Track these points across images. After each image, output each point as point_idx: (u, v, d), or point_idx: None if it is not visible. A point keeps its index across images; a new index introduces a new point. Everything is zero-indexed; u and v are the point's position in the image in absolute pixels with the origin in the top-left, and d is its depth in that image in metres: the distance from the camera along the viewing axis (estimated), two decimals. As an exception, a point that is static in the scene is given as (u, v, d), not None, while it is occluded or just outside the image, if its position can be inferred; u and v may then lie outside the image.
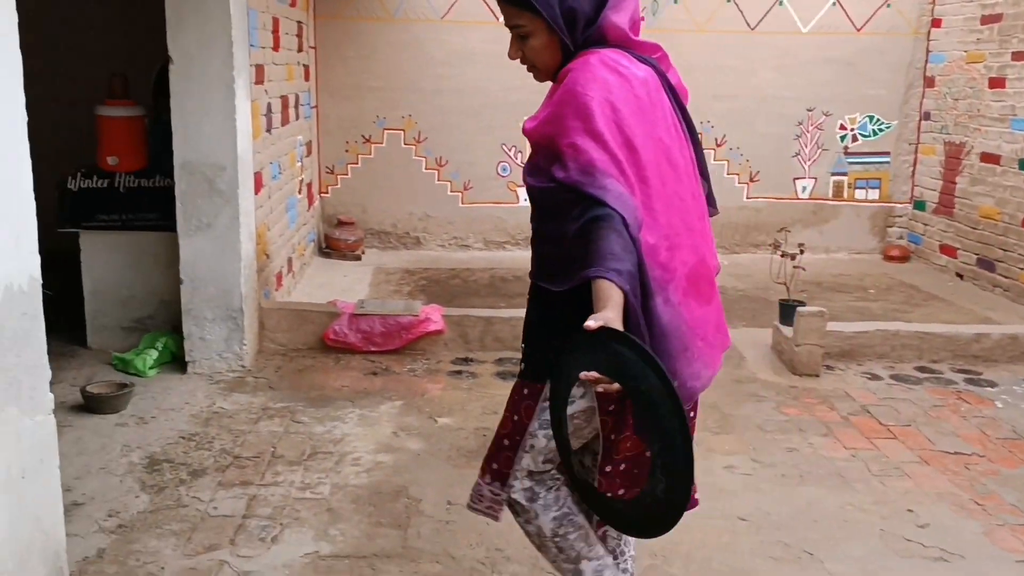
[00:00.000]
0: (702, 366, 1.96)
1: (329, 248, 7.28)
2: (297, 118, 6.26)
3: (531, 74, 2.09)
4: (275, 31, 5.41)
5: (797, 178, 7.90)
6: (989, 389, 4.62)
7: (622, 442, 2.00)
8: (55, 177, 4.56)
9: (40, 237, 2.24)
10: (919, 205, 7.82)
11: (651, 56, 2.03)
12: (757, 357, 5.04)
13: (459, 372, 4.69)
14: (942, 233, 7.43)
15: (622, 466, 2.04)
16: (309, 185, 6.93)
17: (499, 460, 2.16)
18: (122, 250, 4.80)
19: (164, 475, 3.47)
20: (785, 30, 7.60)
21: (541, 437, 2.08)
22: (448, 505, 3.25)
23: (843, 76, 7.71)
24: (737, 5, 7.55)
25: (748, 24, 7.59)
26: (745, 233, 7.92)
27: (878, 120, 7.83)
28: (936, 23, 7.59)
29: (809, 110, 7.77)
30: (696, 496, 2.12)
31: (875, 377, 4.76)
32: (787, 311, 5.00)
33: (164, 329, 4.78)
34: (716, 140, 7.78)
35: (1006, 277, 6.54)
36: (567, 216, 1.84)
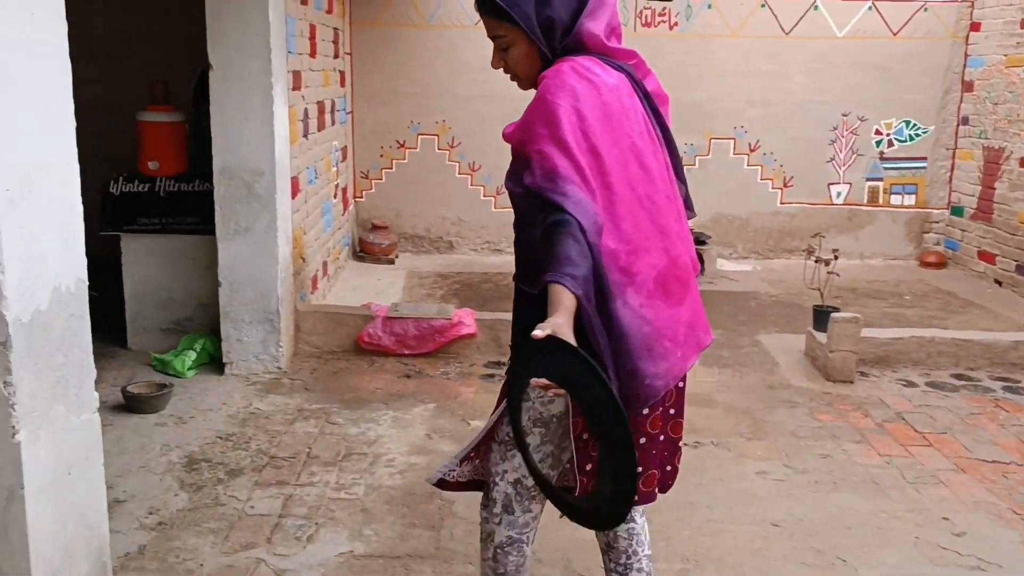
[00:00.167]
0: (669, 365, 1.98)
1: (363, 252, 7.35)
2: (333, 123, 6.34)
3: (515, 83, 2.13)
4: (312, 38, 5.49)
5: (831, 183, 7.84)
6: (1028, 397, 4.57)
7: (593, 439, 2.03)
8: (97, 181, 4.66)
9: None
10: (956, 211, 7.73)
11: (627, 63, 2.07)
12: (790, 363, 5.02)
13: (491, 375, 4.72)
14: (980, 239, 7.33)
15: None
16: (344, 190, 7.01)
17: (479, 452, 2.22)
18: (162, 253, 4.90)
19: (202, 474, 3.53)
20: (820, 35, 7.56)
21: (535, 436, 2.10)
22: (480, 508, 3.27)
23: (879, 81, 7.64)
24: (771, 10, 7.52)
25: (783, 29, 7.55)
26: (779, 239, 7.87)
27: (915, 125, 7.75)
28: (975, 27, 7.51)
29: (844, 115, 7.72)
30: (656, 492, 2.17)
31: (910, 384, 4.72)
32: (821, 317, 4.97)
33: (202, 331, 4.87)
34: (750, 145, 7.75)
35: (1046, 284, 6.44)
36: (536, 221, 1.89)
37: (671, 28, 7.49)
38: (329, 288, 6.16)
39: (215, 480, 3.48)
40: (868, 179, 7.83)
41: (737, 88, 7.64)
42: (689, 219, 2.15)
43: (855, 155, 7.79)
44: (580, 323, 1.81)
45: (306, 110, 5.33)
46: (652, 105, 2.08)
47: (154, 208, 4.85)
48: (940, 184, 7.84)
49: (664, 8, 7.44)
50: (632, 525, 2.21)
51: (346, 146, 7.14)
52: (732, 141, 7.75)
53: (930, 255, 7.76)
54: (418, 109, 7.49)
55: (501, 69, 2.09)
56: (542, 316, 1.77)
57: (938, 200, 7.87)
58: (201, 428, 3.97)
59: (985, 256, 7.24)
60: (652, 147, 2.02)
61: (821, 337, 4.86)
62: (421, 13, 7.36)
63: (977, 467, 3.75)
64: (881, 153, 7.79)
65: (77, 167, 2.27)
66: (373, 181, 7.64)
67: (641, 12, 7.46)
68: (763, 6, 7.51)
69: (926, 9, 7.53)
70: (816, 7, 7.52)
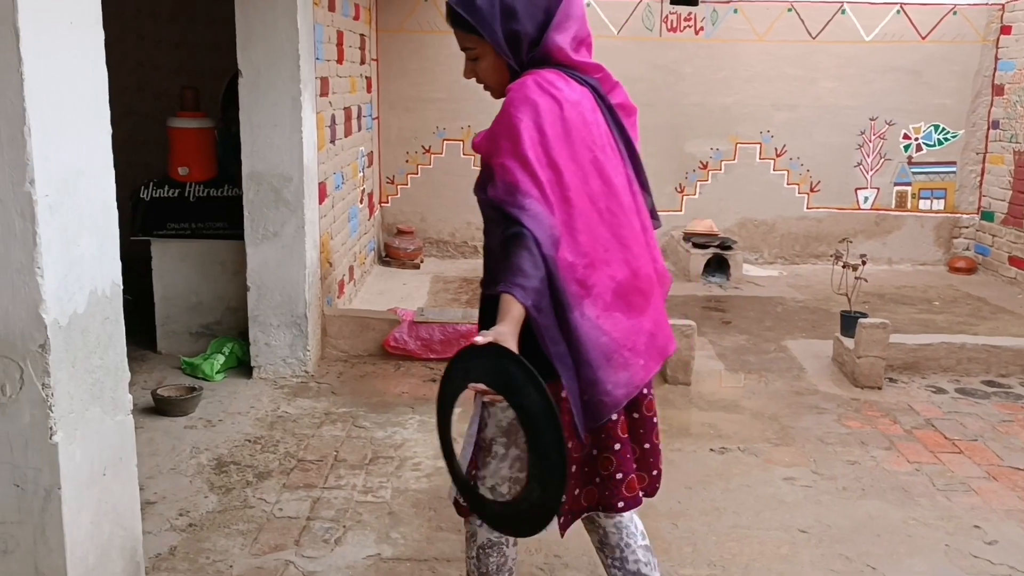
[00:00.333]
0: (630, 375, 2.02)
1: (389, 257, 7.40)
2: (359, 129, 6.39)
3: (487, 92, 2.17)
4: (339, 44, 5.53)
5: (859, 188, 7.79)
6: (1060, 405, 4.51)
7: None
8: (128, 187, 4.72)
9: (115, 245, 2.34)
10: (987, 216, 7.65)
11: (592, 76, 2.11)
12: (818, 369, 4.99)
13: None
14: (1011, 244, 7.25)
15: (573, 467, 2.08)
16: (370, 195, 7.06)
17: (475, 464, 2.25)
18: (191, 258, 4.96)
19: (231, 476, 3.57)
20: (848, 39, 7.52)
21: (499, 445, 2.14)
22: (507, 511, 3.28)
23: (907, 85, 7.59)
24: (798, 14, 7.49)
25: (809, 33, 7.52)
26: (805, 244, 7.83)
27: (944, 129, 7.68)
28: (1005, 30, 7.43)
29: (872, 119, 7.66)
30: (640, 495, 2.18)
31: (940, 391, 4.67)
32: (849, 322, 4.93)
33: (231, 335, 4.92)
34: (776, 150, 7.72)
35: (1078, 290, 6.35)
36: (497, 231, 1.94)
37: (696, 33, 7.47)
38: (355, 292, 6.20)
39: (244, 482, 3.51)
40: (896, 184, 7.77)
41: (763, 93, 7.62)
42: (655, 228, 2.20)
43: (883, 160, 7.73)
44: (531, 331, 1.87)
45: (333, 116, 5.37)
46: (616, 119, 2.13)
47: (184, 213, 4.92)
48: (970, 189, 7.76)
49: (690, 13, 7.42)
50: (619, 519, 2.22)
51: (372, 151, 7.19)
52: (758, 146, 7.72)
53: (960, 260, 7.68)
54: (443, 114, 7.53)
55: (474, 79, 2.14)
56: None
57: (968, 205, 7.79)
58: (230, 431, 4.01)
59: (1016, 261, 7.16)
60: (614, 161, 2.07)
61: (849, 343, 4.83)
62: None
63: (1009, 475, 3.71)
64: (910, 158, 7.73)
65: (112, 173, 2.31)
66: (399, 186, 7.69)
67: (667, 17, 7.46)
68: (790, 10, 7.48)
69: (955, 12, 7.46)
70: (843, 11, 7.48)
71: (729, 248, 7.10)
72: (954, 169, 7.75)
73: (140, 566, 2.52)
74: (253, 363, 4.67)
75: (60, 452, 2.06)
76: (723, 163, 7.73)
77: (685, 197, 7.78)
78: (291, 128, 4.44)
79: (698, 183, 7.77)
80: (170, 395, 4.22)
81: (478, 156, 2.07)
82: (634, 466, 2.16)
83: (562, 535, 2.16)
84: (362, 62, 6.53)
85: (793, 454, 3.87)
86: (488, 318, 2.05)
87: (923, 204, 7.81)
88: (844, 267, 5.29)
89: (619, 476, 2.10)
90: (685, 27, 7.47)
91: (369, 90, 6.95)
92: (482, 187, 2.03)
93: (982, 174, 7.71)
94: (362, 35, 6.53)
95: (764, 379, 4.85)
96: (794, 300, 6.61)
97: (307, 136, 4.54)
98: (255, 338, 4.65)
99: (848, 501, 3.46)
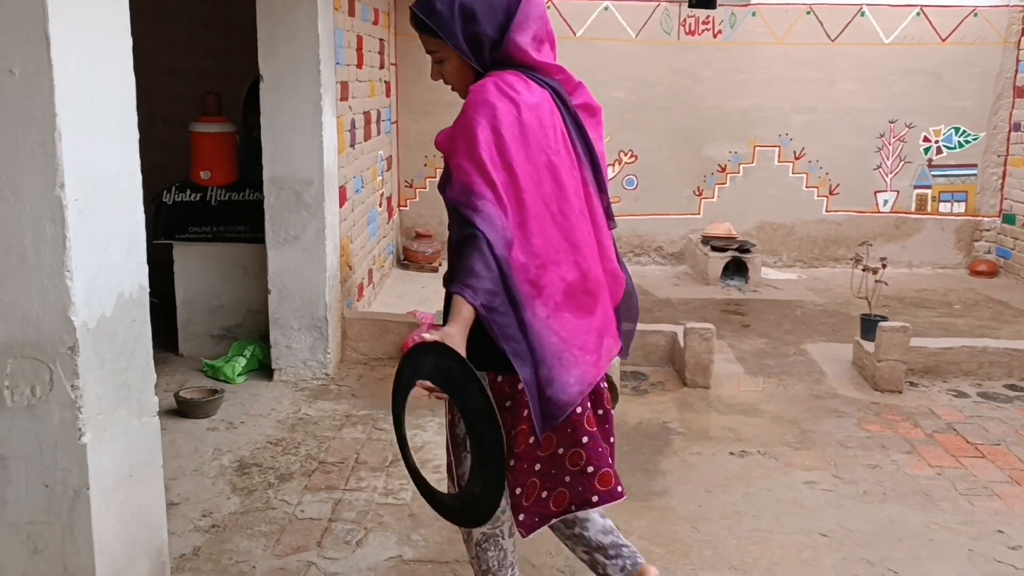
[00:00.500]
0: (581, 372, 2.06)
1: (407, 260, 7.42)
2: (379, 133, 6.43)
3: (455, 93, 2.20)
4: (359, 49, 5.57)
5: (878, 191, 7.75)
6: (1084, 409, 4.47)
7: (519, 435, 2.11)
8: (151, 191, 4.76)
9: (139, 249, 2.37)
10: (1008, 219, 7.59)
11: (554, 77, 2.14)
12: (837, 372, 4.97)
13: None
14: (1033, 247, 7.20)
15: (537, 466, 2.13)
16: (389, 199, 7.09)
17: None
18: (213, 261, 5.00)
19: (253, 478, 3.60)
20: (867, 41, 7.49)
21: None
22: (527, 514, 3.29)
23: (927, 87, 7.55)
24: (817, 17, 7.47)
25: (828, 36, 7.50)
26: (824, 247, 7.80)
27: (964, 132, 7.63)
28: (1026, 32, 7.39)
29: (891, 122, 7.63)
30: (621, 489, 2.18)
31: (961, 395, 4.64)
32: (869, 326, 4.91)
33: (252, 337, 4.95)
34: (795, 153, 7.70)
35: (1102, 293, 6.30)
36: (455, 229, 2.00)
37: (715, 36, 7.47)
38: (374, 296, 6.23)
39: (266, 484, 3.54)
40: (916, 187, 7.73)
41: (782, 96, 7.60)
42: (611, 229, 2.23)
43: (903, 162, 7.69)
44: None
45: (353, 120, 5.41)
46: (577, 120, 2.16)
47: (205, 217, 4.96)
48: (991, 191, 7.71)
49: (708, 16, 7.42)
50: (604, 523, 2.28)
51: (391, 155, 7.22)
52: (777, 149, 7.70)
53: (981, 264, 7.62)
54: (462, 118, 7.54)
55: (441, 81, 2.19)
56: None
57: (989, 208, 7.74)
58: (251, 433, 4.04)
59: (1038, 265, 7.10)
60: (569, 163, 2.10)
61: (869, 346, 4.81)
62: (465, 23, 7.41)
63: (1032, 479, 3.69)
64: (930, 160, 7.69)
65: (140, 178, 2.34)
66: (417, 190, 7.72)
67: (685, 20, 7.45)
68: (808, 13, 7.46)
69: (976, 14, 7.42)
70: (863, 14, 7.45)
71: (747, 251, 7.08)
72: (975, 172, 7.70)
73: (166, 566, 2.55)
74: (274, 366, 4.70)
75: (88, 453, 2.09)
76: (741, 166, 7.71)
77: (703, 200, 7.77)
78: (312, 132, 4.47)
79: (716, 186, 7.76)
80: (192, 397, 4.26)
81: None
82: (608, 460, 2.17)
83: (524, 535, 2.18)
84: (381, 67, 6.56)
85: (813, 458, 3.86)
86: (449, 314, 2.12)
87: (943, 207, 7.76)
88: (864, 270, 5.26)
89: (590, 470, 2.12)
90: (703, 30, 7.46)
91: (388, 94, 6.99)
92: (441, 185, 2.07)
93: (1004, 177, 7.66)
94: (381, 40, 6.56)
95: (783, 383, 4.83)
96: (813, 303, 6.59)
97: (327, 140, 4.57)
98: (276, 341, 4.68)
99: (869, 505, 3.44)
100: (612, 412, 2.27)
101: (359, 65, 5.59)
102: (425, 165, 7.66)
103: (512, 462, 2.12)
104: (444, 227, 7.63)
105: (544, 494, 2.14)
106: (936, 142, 7.66)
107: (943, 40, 7.48)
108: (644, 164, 7.65)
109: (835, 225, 7.78)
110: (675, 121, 7.55)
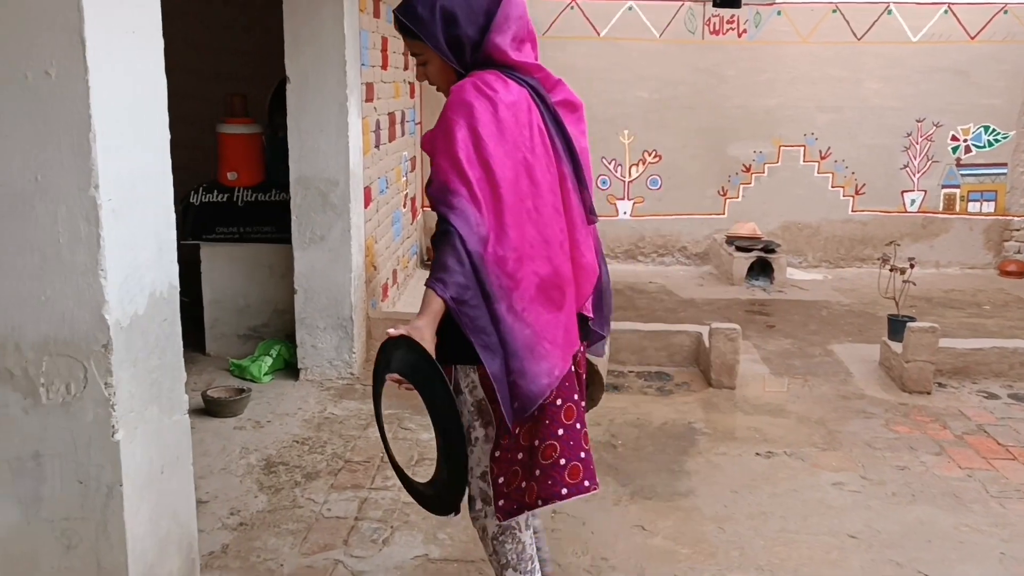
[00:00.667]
0: (550, 365, 2.10)
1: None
2: (403, 134, 6.45)
3: (440, 94, 2.25)
4: (384, 50, 5.59)
5: (905, 191, 7.69)
6: (1117, 411, 4.41)
7: (503, 427, 2.17)
8: (179, 192, 4.81)
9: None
10: (1038, 218, 7.50)
11: (533, 76, 2.19)
12: (864, 373, 4.93)
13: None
14: (1063, 247, 7.10)
15: (520, 455, 2.17)
16: (413, 199, 7.11)
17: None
18: (239, 261, 5.04)
19: (280, 477, 3.62)
20: (894, 39, 7.42)
21: (477, 429, 2.24)
22: (553, 513, 3.29)
23: (955, 85, 7.47)
24: (843, 15, 7.42)
25: (854, 34, 7.44)
26: (850, 247, 7.74)
27: (994, 130, 7.55)
28: (1057, 29, 7.29)
29: (918, 121, 7.56)
30: (588, 484, 2.20)
31: (991, 396, 4.59)
32: (897, 326, 4.87)
33: (278, 337, 4.98)
34: (820, 152, 7.64)
35: None
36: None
37: (739, 36, 7.43)
38: (398, 296, 6.25)
39: (292, 483, 3.57)
40: (944, 186, 7.66)
41: (807, 95, 7.55)
42: (590, 224, 2.27)
43: (930, 162, 7.62)
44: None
45: (378, 121, 5.43)
46: (556, 117, 2.20)
47: (232, 217, 5.00)
48: (1021, 191, 7.62)
49: (732, 15, 7.39)
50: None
51: (415, 156, 7.24)
52: (802, 148, 7.65)
53: (1010, 264, 7.53)
54: (485, 119, 7.55)
55: (426, 81, 2.26)
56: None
57: (1019, 207, 7.65)
58: (278, 432, 4.07)
59: (1069, 265, 7.01)
60: (545, 160, 2.14)
61: (896, 347, 4.77)
62: (489, 24, 7.42)
63: (1064, 482, 3.64)
64: (958, 159, 7.61)
65: (171, 178, 2.37)
66: (441, 190, 7.72)
67: (709, 20, 7.42)
68: (834, 11, 7.41)
69: (1006, 11, 7.34)
70: (889, 11, 7.39)
71: (772, 251, 7.04)
72: (1005, 171, 7.61)
73: (196, 563, 2.57)
74: (300, 365, 4.73)
75: (122, 450, 2.11)
76: (766, 166, 7.67)
77: (728, 200, 7.74)
78: (337, 133, 4.50)
79: (741, 186, 7.72)
80: (219, 396, 4.29)
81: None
82: (581, 454, 2.19)
83: (500, 519, 2.23)
84: (405, 68, 6.58)
85: (840, 459, 3.84)
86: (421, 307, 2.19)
87: (972, 207, 7.68)
88: (892, 270, 5.22)
89: (562, 462, 2.16)
90: (728, 29, 7.43)
91: (412, 95, 7.01)
92: (428, 185, 2.14)
93: (1033, 176, 7.57)
94: (405, 41, 6.57)
95: (810, 383, 4.80)
96: (839, 304, 6.54)
97: (353, 141, 4.59)
98: (302, 340, 4.71)
99: (898, 506, 3.42)
100: (583, 404, 2.31)
101: (384, 66, 5.61)
102: (449, 166, 7.67)
103: (497, 453, 2.19)
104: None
105: (524, 484, 2.19)
106: (965, 141, 7.58)
107: (972, 38, 7.40)
108: (668, 164, 7.63)
109: (861, 225, 7.72)
110: (699, 121, 7.52)
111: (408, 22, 2.14)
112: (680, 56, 7.47)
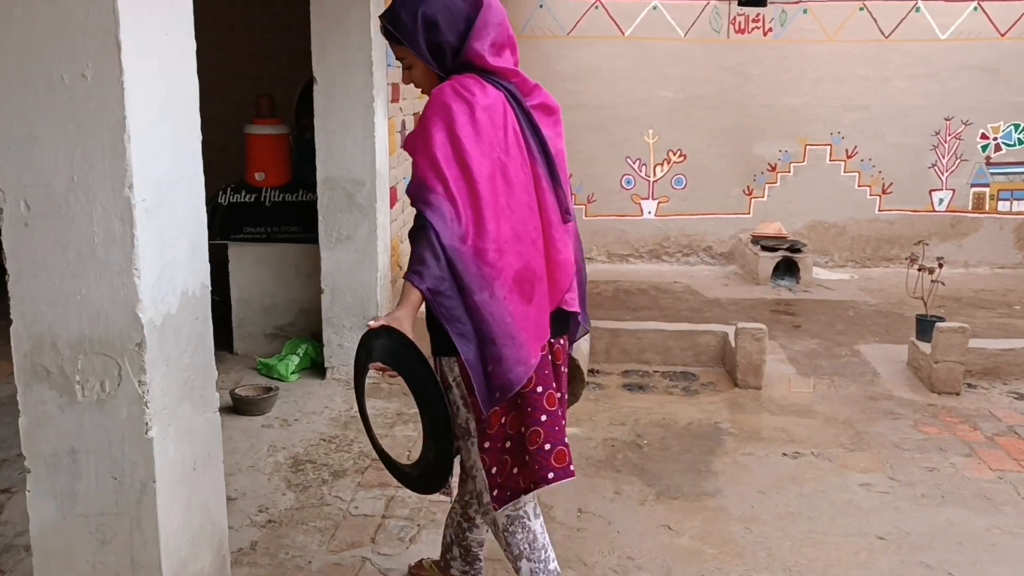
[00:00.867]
0: (526, 354, 2.19)
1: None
2: (427, 134, 6.46)
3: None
4: (409, 51, 5.61)
5: (933, 190, 7.61)
6: None
7: (491, 416, 2.24)
8: (207, 192, 4.86)
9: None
10: (1069, 217, 7.40)
11: (510, 81, 2.28)
12: (892, 373, 4.89)
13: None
14: (1095, 247, 7.00)
15: (508, 444, 2.26)
16: (437, 199, 7.12)
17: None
18: (267, 261, 5.08)
19: (308, 475, 3.65)
20: (922, 37, 7.35)
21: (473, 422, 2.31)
22: (579, 513, 3.30)
23: (985, 83, 7.38)
24: (870, 13, 7.35)
25: (882, 32, 7.38)
26: (877, 246, 7.67)
27: (1024, 129, 7.46)
28: (1088, 25, 7.19)
29: (947, 119, 7.48)
30: (572, 468, 2.28)
31: (1022, 397, 4.54)
32: (925, 326, 4.82)
33: (304, 336, 5.02)
34: (847, 151, 7.58)
35: None
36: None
37: (765, 35, 7.39)
38: (423, 296, 6.27)
39: (320, 481, 3.59)
40: (973, 185, 7.57)
41: (833, 93, 7.49)
42: (565, 223, 2.31)
43: (959, 160, 7.53)
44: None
45: (403, 122, 5.46)
46: (531, 120, 2.28)
47: (260, 217, 5.04)
48: (1052, 189, 7.52)
49: (758, 14, 7.35)
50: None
51: (439, 156, 7.26)
52: (828, 147, 7.60)
53: (1040, 263, 7.44)
54: (509, 119, 7.57)
55: (412, 84, 2.36)
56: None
57: (1049, 206, 7.55)
58: (305, 430, 4.11)
59: (1101, 264, 6.91)
60: (520, 161, 2.23)
61: (925, 347, 4.73)
62: (513, 23, 7.38)
63: (1097, 484, 3.59)
64: (988, 158, 7.52)
65: (203, 179, 2.40)
66: (465, 190, 7.74)
67: (735, 19, 7.39)
68: (861, 9, 7.35)
69: (1036, 8, 7.24)
70: (918, 9, 7.32)
71: (798, 251, 7.00)
72: (1035, 169, 7.51)
73: (226, 559, 2.60)
74: (327, 364, 4.77)
75: (155, 447, 2.14)
76: (792, 165, 7.62)
77: (753, 200, 7.70)
78: (364, 134, 4.53)
79: (766, 185, 7.67)
80: (248, 395, 4.33)
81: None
82: (564, 439, 2.27)
83: (495, 508, 2.29)
84: (430, 68, 6.61)
85: (868, 460, 3.81)
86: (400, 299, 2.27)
87: (1002, 205, 7.58)
88: (920, 270, 5.17)
89: (547, 447, 2.23)
90: (753, 28, 7.39)
91: (437, 96, 7.02)
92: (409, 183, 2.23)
93: (1064, 174, 7.47)
94: (430, 41, 6.60)
95: (836, 384, 4.77)
96: (866, 304, 6.49)
97: (379, 141, 4.62)
98: (328, 339, 4.74)
99: (927, 508, 3.39)
100: (564, 396, 2.39)
101: (409, 67, 5.63)
102: (473, 166, 7.69)
103: (486, 444, 2.26)
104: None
105: (515, 471, 2.26)
106: (995, 139, 7.48)
107: (1002, 35, 7.31)
108: (693, 163, 7.60)
109: (888, 224, 7.65)
110: (724, 120, 7.49)
111: (391, 28, 2.24)
112: (705, 55, 7.44)
